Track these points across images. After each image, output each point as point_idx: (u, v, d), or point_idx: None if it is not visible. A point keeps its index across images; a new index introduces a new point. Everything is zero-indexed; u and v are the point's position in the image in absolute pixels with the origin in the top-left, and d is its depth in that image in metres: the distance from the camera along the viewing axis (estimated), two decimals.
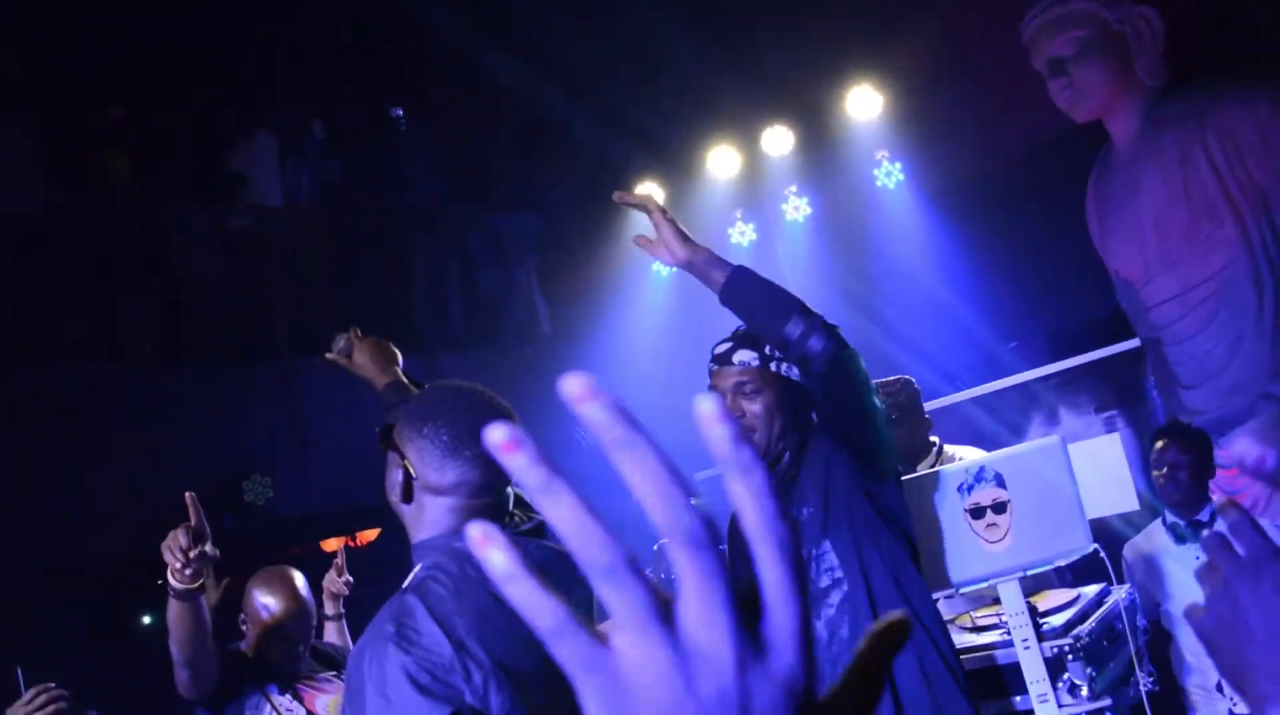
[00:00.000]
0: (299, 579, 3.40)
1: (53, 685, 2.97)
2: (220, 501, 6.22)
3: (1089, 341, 5.56)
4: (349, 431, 6.72)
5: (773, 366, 2.52)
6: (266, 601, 3.31)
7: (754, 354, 2.53)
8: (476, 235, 8.67)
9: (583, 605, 1.93)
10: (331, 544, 8.14)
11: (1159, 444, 3.93)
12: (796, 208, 7.56)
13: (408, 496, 1.86)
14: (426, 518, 1.85)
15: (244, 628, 3.38)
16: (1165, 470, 3.84)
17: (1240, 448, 5.05)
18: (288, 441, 6.65)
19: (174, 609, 2.85)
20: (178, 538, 2.79)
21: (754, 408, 2.51)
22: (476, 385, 1.95)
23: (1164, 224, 5.32)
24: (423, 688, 1.59)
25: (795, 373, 2.53)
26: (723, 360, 2.58)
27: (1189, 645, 3.64)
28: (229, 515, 6.19)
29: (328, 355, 2.91)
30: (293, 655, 3.32)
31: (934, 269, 6.89)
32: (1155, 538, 3.92)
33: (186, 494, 2.80)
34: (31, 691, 2.95)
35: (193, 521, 2.82)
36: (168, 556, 2.80)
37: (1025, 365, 5.71)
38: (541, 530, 1.89)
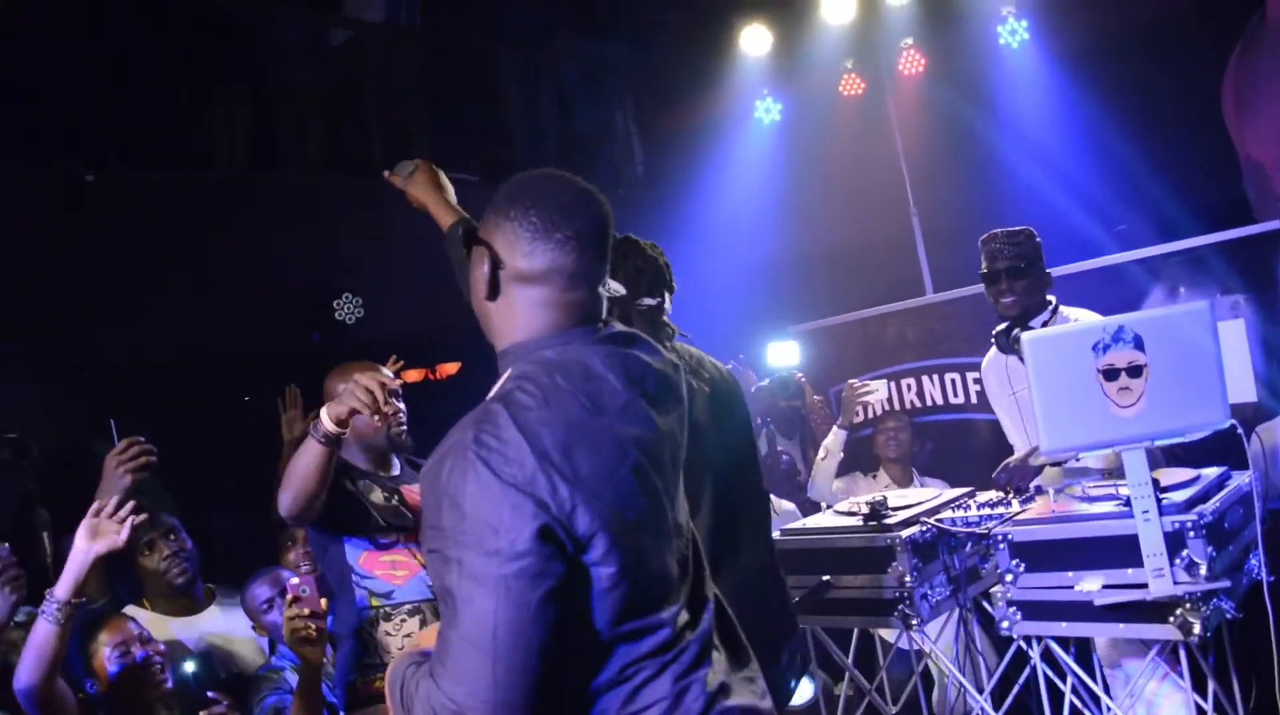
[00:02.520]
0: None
1: (142, 439, 3.03)
2: (310, 318, 6.25)
3: (1210, 225, 5.29)
4: (439, 259, 6.68)
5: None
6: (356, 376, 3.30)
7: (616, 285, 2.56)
8: (574, 68, 8.44)
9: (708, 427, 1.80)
10: (412, 375, 8.22)
11: None
12: (912, 61, 7.21)
13: (494, 291, 1.70)
14: (515, 316, 1.69)
15: None
16: None
17: None
18: (378, 263, 6.62)
19: (314, 450, 2.86)
20: (378, 381, 2.82)
21: None
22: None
23: None
24: (502, 494, 1.48)
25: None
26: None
27: None
28: (318, 332, 6.22)
29: (387, 173, 2.79)
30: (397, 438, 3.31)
31: (1057, 134, 6.59)
32: (1269, 434, 3.76)
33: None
34: (124, 442, 3.02)
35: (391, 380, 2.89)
36: (357, 394, 2.80)
37: (1136, 243, 5.47)
38: (634, 339, 1.75)
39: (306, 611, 3.07)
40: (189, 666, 3.26)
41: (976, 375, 5.46)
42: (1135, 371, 2.67)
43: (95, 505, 2.85)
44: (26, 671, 2.77)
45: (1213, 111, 5.87)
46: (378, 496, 3.21)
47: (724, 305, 6.96)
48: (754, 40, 7.56)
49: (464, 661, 1.48)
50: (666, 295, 2.83)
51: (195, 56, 6.33)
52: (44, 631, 2.77)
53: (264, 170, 6.61)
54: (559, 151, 8.10)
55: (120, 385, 5.26)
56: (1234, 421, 2.67)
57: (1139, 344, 2.67)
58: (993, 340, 3.94)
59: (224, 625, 3.53)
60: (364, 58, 7.20)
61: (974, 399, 5.54)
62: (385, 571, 3.14)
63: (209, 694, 3.20)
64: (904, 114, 7.19)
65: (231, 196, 6.28)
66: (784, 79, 7.76)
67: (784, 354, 5.72)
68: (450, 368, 7.88)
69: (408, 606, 3.13)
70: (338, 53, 7.20)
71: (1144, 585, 2.72)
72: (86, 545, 2.81)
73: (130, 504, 2.89)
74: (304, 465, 2.86)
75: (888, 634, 4.45)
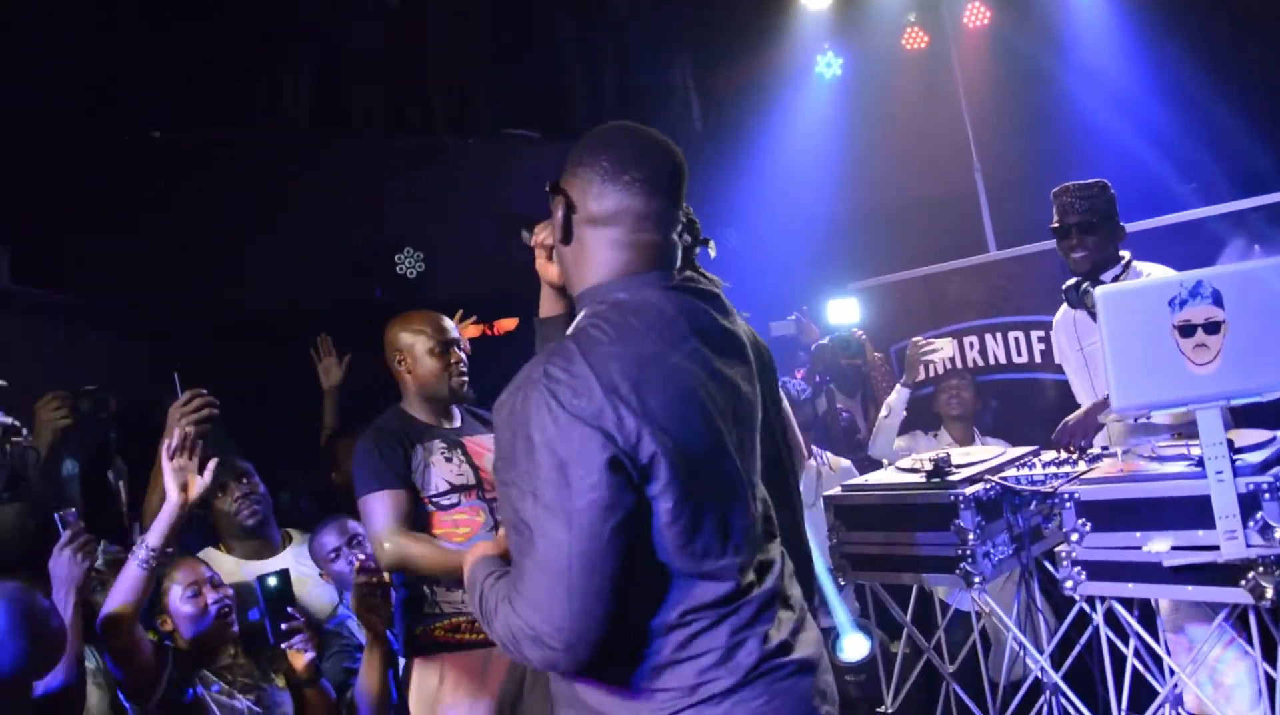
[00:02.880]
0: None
1: (204, 391, 3.10)
2: (373, 271, 6.30)
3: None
4: (500, 215, 6.70)
5: None
6: (419, 326, 3.33)
7: None
8: (633, 25, 8.36)
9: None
10: (470, 331, 8.26)
11: None
12: (977, 13, 7.05)
13: (567, 234, 1.76)
14: (589, 258, 1.74)
15: (402, 369, 3.34)
16: None
17: None
18: (439, 219, 6.65)
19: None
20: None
21: None
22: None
23: None
24: (569, 425, 1.51)
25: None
26: None
27: None
28: (380, 286, 6.27)
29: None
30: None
31: (1129, 84, 6.40)
32: None
33: None
34: (188, 394, 3.09)
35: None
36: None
37: (1205, 203, 5.32)
38: (708, 295, 1.77)
39: (375, 580, 3.15)
40: (271, 581, 3.32)
41: (1041, 333, 5.37)
42: (1213, 328, 2.61)
43: (164, 446, 2.92)
44: (113, 609, 2.85)
45: None
46: (439, 457, 3.22)
47: (785, 262, 6.91)
48: None
49: (540, 589, 1.53)
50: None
51: (258, 16, 6.37)
52: (133, 575, 2.86)
53: (326, 127, 6.66)
54: (617, 109, 8.05)
55: (189, 341, 5.35)
56: None
57: (1217, 300, 2.61)
58: (1063, 295, 3.88)
59: (297, 570, 3.59)
60: (424, 17, 7.19)
61: (1038, 358, 5.46)
62: (447, 530, 3.17)
63: (288, 609, 3.28)
64: (968, 68, 7.04)
65: (294, 155, 6.34)
66: (845, 33, 7.63)
67: (845, 311, 5.67)
68: (508, 324, 7.90)
69: None
70: (397, 12, 7.20)
71: (1215, 547, 2.67)
72: (179, 495, 2.89)
73: (211, 462, 2.99)
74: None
75: (945, 593, 4.43)
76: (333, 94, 6.79)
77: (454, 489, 3.19)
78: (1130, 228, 3.91)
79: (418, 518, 3.14)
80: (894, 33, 7.44)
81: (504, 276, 7.00)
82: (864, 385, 5.73)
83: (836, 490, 3.60)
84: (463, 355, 3.36)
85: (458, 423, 3.40)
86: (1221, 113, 5.96)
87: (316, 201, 6.22)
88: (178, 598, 3.18)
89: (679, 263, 1.79)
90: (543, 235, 2.01)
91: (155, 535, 2.89)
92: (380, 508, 3.08)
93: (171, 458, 2.92)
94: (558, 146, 7.61)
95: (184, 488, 2.92)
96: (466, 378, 3.35)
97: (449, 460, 3.23)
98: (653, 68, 8.39)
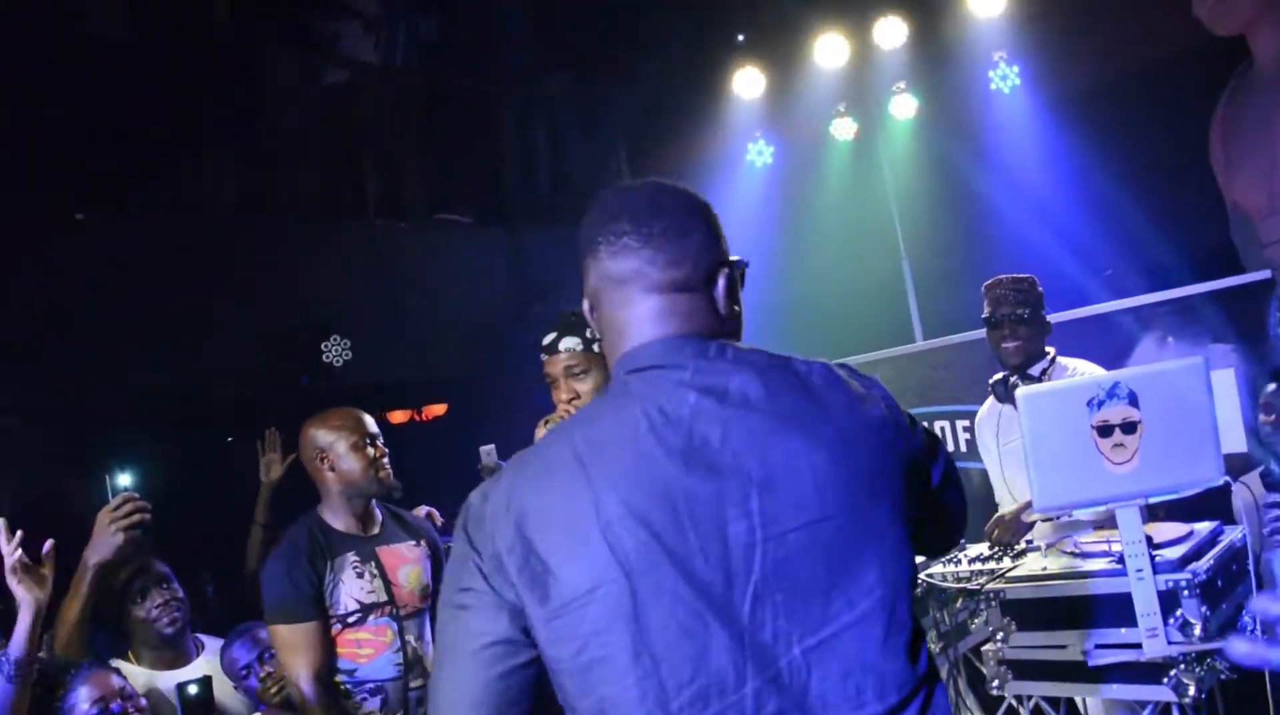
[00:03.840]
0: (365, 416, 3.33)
1: (137, 495, 2.99)
2: (299, 360, 6.21)
3: (1198, 273, 5.28)
4: (430, 301, 6.67)
5: (595, 347, 2.75)
6: (339, 422, 3.24)
7: (577, 339, 2.77)
8: (567, 107, 8.46)
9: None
10: (398, 416, 8.18)
11: (1270, 387, 3.73)
12: (904, 104, 7.23)
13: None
14: None
15: (324, 468, 3.22)
16: (1274, 417, 3.65)
17: None
18: (368, 306, 6.60)
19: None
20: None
21: (584, 387, 2.75)
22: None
23: None
24: None
25: None
26: (550, 349, 2.80)
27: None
28: (306, 375, 6.18)
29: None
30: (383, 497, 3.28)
31: (1047, 180, 6.58)
32: (1256, 485, 3.73)
33: None
34: (120, 497, 2.97)
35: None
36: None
37: (1123, 291, 5.46)
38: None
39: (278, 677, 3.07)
40: (192, 689, 3.18)
41: (966, 423, 5.42)
42: (1129, 428, 2.64)
43: (11, 556, 2.76)
44: None
45: (1203, 158, 5.88)
46: (349, 574, 3.13)
47: None
48: (747, 83, 7.58)
49: None
50: None
51: (189, 97, 6.33)
52: (2, 691, 2.69)
53: (255, 212, 6.60)
54: (551, 193, 8.10)
55: (106, 429, 5.22)
56: (1227, 478, 2.64)
57: (1133, 400, 2.64)
58: (989, 388, 3.91)
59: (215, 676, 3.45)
60: (358, 98, 7.21)
61: (964, 447, 5.50)
62: (350, 650, 3.09)
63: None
64: (895, 158, 7.20)
65: (222, 239, 6.27)
66: (776, 121, 7.77)
67: None
68: (437, 409, 7.84)
69: (369, 685, 3.08)
70: (331, 93, 7.21)
71: (1137, 645, 2.67)
72: (26, 594, 2.72)
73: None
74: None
75: None
76: (263, 177, 6.75)
77: (363, 608, 3.10)
78: (1055, 318, 3.98)
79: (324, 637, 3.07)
80: (824, 122, 7.58)
81: (434, 362, 7.01)
82: None
83: None
84: (385, 450, 3.28)
85: (376, 529, 3.29)
86: (1134, 207, 6.14)
87: (243, 286, 6.14)
88: (85, 714, 3.03)
89: None
90: None
91: (15, 645, 2.69)
92: (289, 642, 3.03)
93: (15, 571, 2.73)
94: (490, 232, 7.63)
95: (38, 584, 2.74)
96: (391, 472, 3.27)
97: (360, 576, 3.13)
98: (587, 152, 8.48)
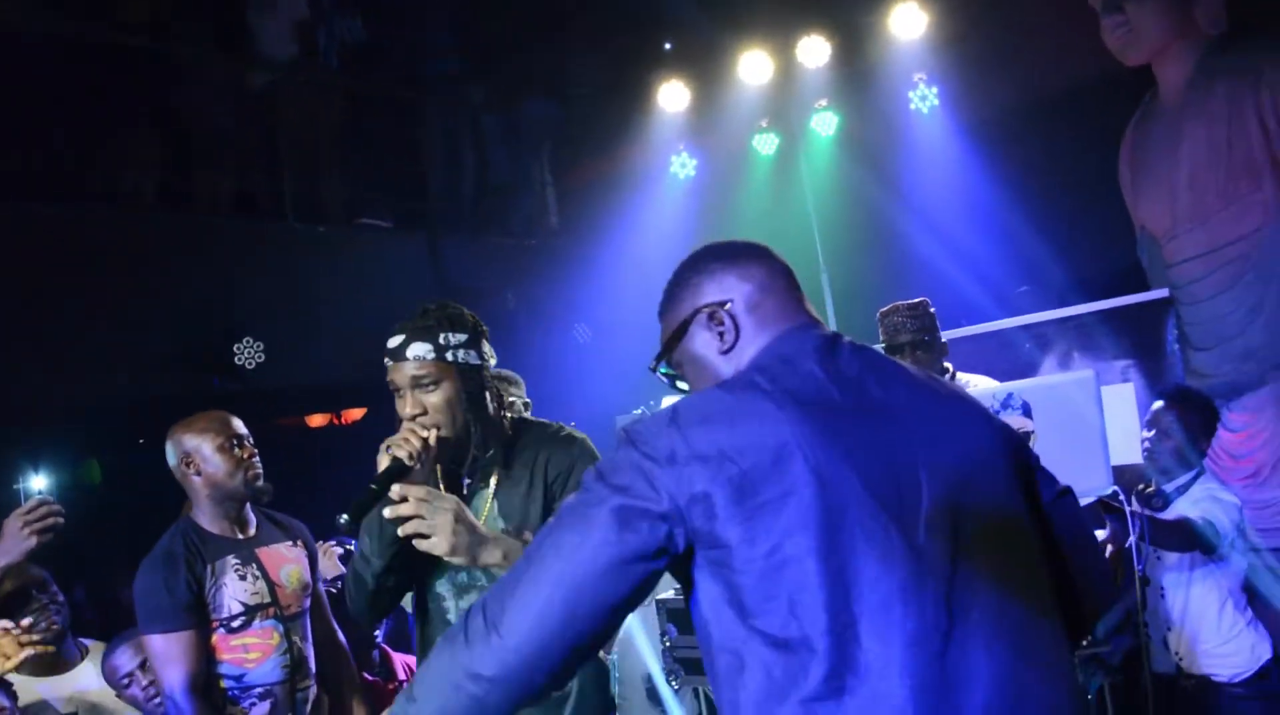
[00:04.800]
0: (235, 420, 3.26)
1: (51, 500, 2.94)
2: (210, 361, 6.12)
3: (1106, 291, 5.46)
4: (343, 306, 6.63)
5: (449, 356, 2.42)
6: (202, 425, 3.17)
7: (428, 346, 2.40)
8: (492, 118, 8.46)
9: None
10: (316, 420, 8.10)
11: (1157, 406, 3.88)
12: (825, 122, 7.35)
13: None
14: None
15: (191, 473, 3.15)
16: (1154, 433, 3.80)
17: (1248, 415, 5.01)
18: (282, 308, 6.52)
19: None
20: None
21: (433, 400, 2.40)
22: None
23: (1199, 179, 5.20)
24: None
25: (474, 357, 2.45)
26: (397, 355, 2.42)
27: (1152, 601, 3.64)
28: (217, 377, 6.10)
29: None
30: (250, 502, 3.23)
31: (961, 199, 6.73)
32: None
33: None
34: (34, 501, 2.93)
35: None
36: None
37: (1035, 308, 5.61)
38: None
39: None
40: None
41: None
42: (1024, 438, 2.72)
43: None
44: None
45: (1113, 182, 6.07)
46: (232, 576, 3.09)
47: (636, 355, 6.97)
48: (671, 96, 7.65)
49: None
50: None
51: (107, 92, 6.22)
52: None
53: (171, 212, 6.50)
54: (474, 201, 8.09)
55: (15, 433, 5.10)
56: (1116, 487, 2.74)
57: (1027, 411, 2.73)
58: None
59: (97, 684, 3.38)
60: (279, 100, 7.13)
61: None
62: (236, 655, 3.06)
63: None
64: (816, 173, 7.32)
65: (136, 238, 6.16)
66: (700, 134, 7.85)
67: None
68: (355, 413, 7.79)
69: (258, 690, 3.05)
70: (251, 94, 7.13)
71: None
72: None
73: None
74: None
75: None
76: (180, 176, 6.64)
77: (247, 610, 3.07)
78: (957, 335, 4.08)
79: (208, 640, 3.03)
80: (747, 136, 7.68)
81: (353, 366, 6.94)
82: None
83: (669, 593, 3.60)
84: (255, 451, 3.23)
85: (252, 531, 3.25)
86: (1048, 227, 6.31)
87: (157, 286, 6.04)
88: None
89: None
90: None
91: None
92: (165, 652, 2.98)
93: None
94: (412, 237, 7.60)
95: None
96: (261, 473, 3.21)
97: (243, 578, 3.10)
98: (511, 161, 8.48)
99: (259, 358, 6.12)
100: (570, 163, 8.56)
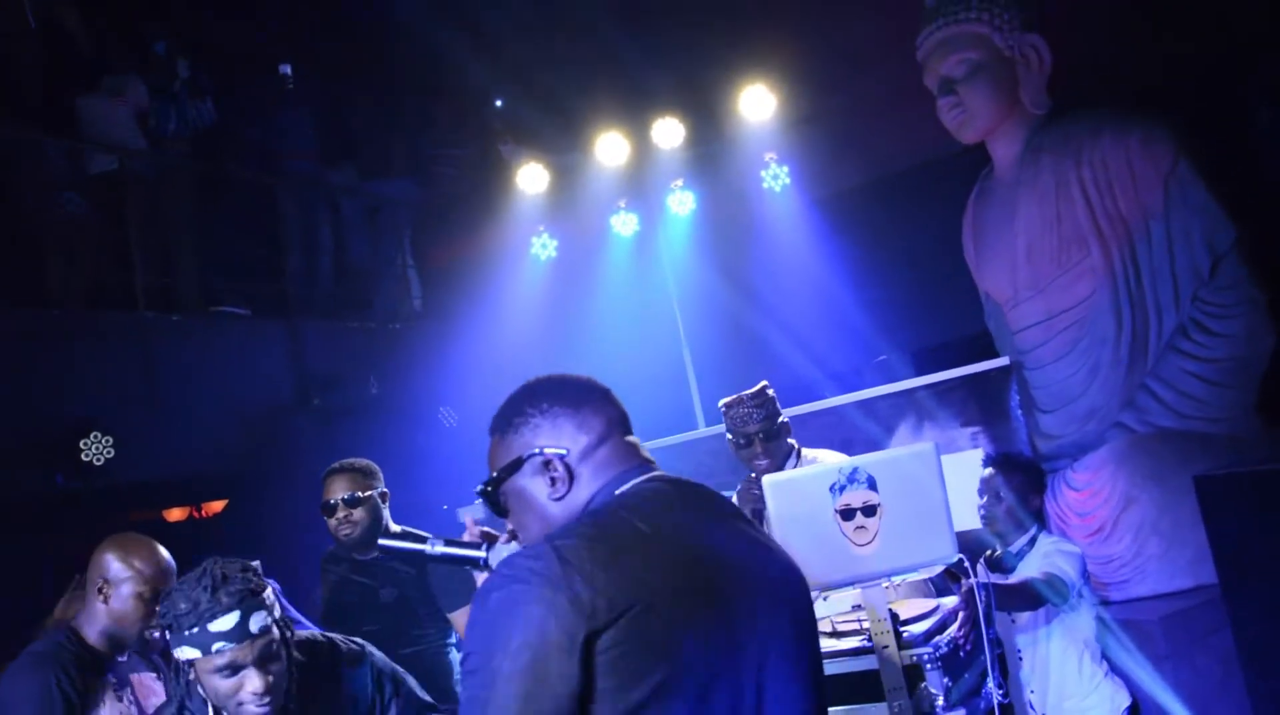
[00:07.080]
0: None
1: None
2: (54, 458, 5.85)
3: (958, 358, 5.68)
4: (201, 396, 6.44)
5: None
6: (138, 566, 3.05)
7: (265, 614, 2.24)
8: (351, 201, 8.41)
9: None
10: (175, 513, 7.80)
11: (986, 472, 4.06)
12: (682, 201, 7.52)
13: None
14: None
15: (99, 597, 3.05)
16: (986, 499, 3.97)
17: (1089, 473, 5.24)
18: (135, 400, 6.30)
19: None
20: None
21: (280, 668, 2.26)
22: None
23: (1035, 249, 5.46)
24: None
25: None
26: (236, 636, 2.19)
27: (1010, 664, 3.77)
28: (61, 474, 5.82)
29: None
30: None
31: (812, 275, 6.94)
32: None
33: None
34: None
35: None
36: None
37: (890, 379, 5.79)
38: None
39: None
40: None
41: None
42: (870, 511, 2.80)
43: None
44: None
45: (958, 252, 6.34)
46: (110, 696, 3.00)
47: None
48: (531, 178, 7.73)
49: None
50: None
51: None
52: None
53: (15, 306, 6.25)
54: (334, 285, 8.00)
55: None
56: (961, 556, 2.83)
57: (872, 484, 2.81)
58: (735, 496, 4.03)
59: None
60: (128, 187, 6.95)
61: None
62: None
63: None
64: (675, 251, 7.46)
65: None
66: (559, 215, 7.93)
67: None
68: (216, 506, 7.53)
69: None
70: (99, 181, 6.93)
71: None
72: None
73: None
74: None
75: None
76: (27, 268, 6.40)
77: None
78: (808, 410, 4.17)
79: None
80: (606, 216, 7.79)
81: (211, 458, 6.74)
82: None
83: None
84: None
85: (125, 656, 3.16)
86: (897, 298, 6.54)
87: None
88: None
89: None
90: None
91: None
92: None
93: None
94: (269, 324, 7.45)
95: None
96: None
97: (120, 699, 3.02)
98: (371, 245, 8.42)
99: (108, 453, 5.87)
100: (431, 244, 8.55)
